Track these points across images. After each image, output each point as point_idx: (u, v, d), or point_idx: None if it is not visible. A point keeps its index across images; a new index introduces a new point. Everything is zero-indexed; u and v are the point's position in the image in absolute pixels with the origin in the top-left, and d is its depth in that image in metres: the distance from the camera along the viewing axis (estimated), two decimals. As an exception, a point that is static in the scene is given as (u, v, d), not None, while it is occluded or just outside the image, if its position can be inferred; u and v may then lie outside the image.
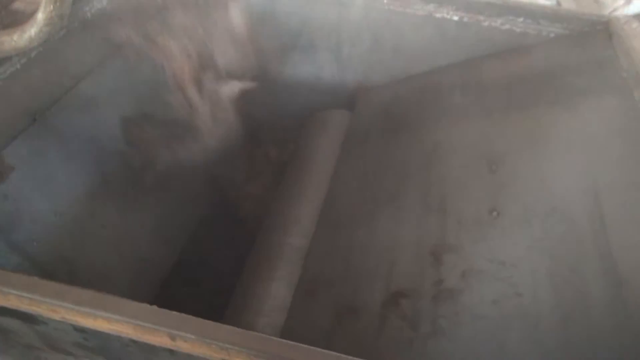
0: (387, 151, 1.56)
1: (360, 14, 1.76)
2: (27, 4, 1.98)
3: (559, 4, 3.00)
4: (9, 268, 1.33)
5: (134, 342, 0.81)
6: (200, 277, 1.63)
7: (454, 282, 1.10)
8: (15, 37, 1.00)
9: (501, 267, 1.08)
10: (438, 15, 1.69)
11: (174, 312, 0.77)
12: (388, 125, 1.65)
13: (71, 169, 1.47)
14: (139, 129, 1.65)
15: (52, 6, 0.95)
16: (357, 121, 1.74)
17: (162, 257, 1.60)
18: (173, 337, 0.76)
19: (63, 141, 1.47)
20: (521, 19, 1.62)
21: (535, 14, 1.61)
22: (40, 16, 0.97)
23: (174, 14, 1.83)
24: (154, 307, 0.78)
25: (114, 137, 1.59)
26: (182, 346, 0.75)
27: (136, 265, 1.53)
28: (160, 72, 1.71)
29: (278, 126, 2.02)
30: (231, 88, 1.66)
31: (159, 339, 0.77)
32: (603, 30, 1.54)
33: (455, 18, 1.67)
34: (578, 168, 1.22)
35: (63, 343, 1.02)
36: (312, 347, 0.74)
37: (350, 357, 0.72)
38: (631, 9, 2.86)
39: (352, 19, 1.78)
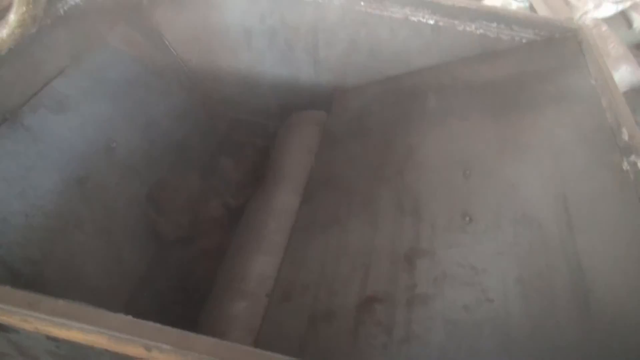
0: (362, 154, 1.58)
1: (337, 15, 1.77)
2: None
3: (531, 6, 3.06)
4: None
5: (108, 351, 0.81)
6: (174, 276, 1.62)
7: (426, 287, 1.13)
8: (-15, 38, 0.98)
9: (472, 272, 1.10)
10: (414, 18, 1.70)
11: (150, 323, 0.77)
12: (363, 127, 1.66)
13: (43, 169, 1.44)
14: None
15: (24, 7, 0.93)
16: (333, 122, 1.75)
17: (135, 262, 1.59)
18: (148, 348, 0.76)
19: (35, 141, 1.44)
20: (494, 24, 1.65)
21: (508, 20, 1.64)
22: (12, 17, 0.95)
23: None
24: (129, 317, 0.78)
25: (88, 138, 1.57)
26: (158, 357, 0.76)
27: (107, 269, 1.51)
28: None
29: (256, 126, 2.02)
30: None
31: (134, 350, 0.77)
32: (573, 37, 1.58)
33: (431, 22, 1.69)
34: (547, 174, 1.25)
35: (36, 351, 1.00)
36: (285, 357, 0.75)
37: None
38: (601, 13, 2.93)
39: (329, 21, 1.79)
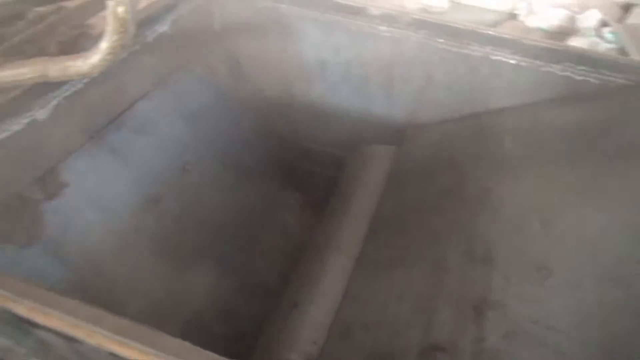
0: (432, 192, 1.53)
1: (413, 50, 1.75)
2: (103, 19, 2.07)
3: (621, 48, 2.91)
4: (55, 280, 1.37)
5: (165, 374, 0.81)
6: (234, 303, 1.62)
7: (496, 342, 1.05)
8: (79, 62, 1.04)
9: (548, 332, 1.02)
10: (494, 57, 1.66)
11: (206, 352, 0.76)
12: (435, 165, 1.62)
13: (121, 187, 1.51)
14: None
15: (116, 37, 0.98)
16: (404, 159, 1.72)
17: (199, 280, 1.61)
18: (203, 377, 0.75)
19: (116, 160, 1.51)
20: (581, 67, 1.57)
21: (596, 63, 1.56)
22: (103, 45, 1.00)
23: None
24: (187, 343, 0.78)
25: (164, 159, 1.63)
26: (212, 387, 0.75)
27: (171, 289, 1.54)
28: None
29: (323, 157, 2.02)
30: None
31: (190, 377, 0.76)
32: (668, 84, 1.47)
33: (512, 62, 1.64)
34: (636, 229, 1.15)
35: (97, 364, 1.03)
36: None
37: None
38: (700, 59, 2.73)
39: (405, 56, 1.77)
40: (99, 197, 1.46)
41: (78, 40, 1.33)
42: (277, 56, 1.92)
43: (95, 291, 1.38)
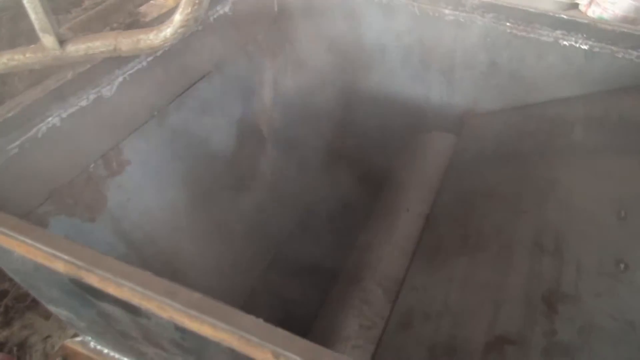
0: (496, 181, 1.47)
1: (478, 36, 1.69)
2: (152, 7, 2.09)
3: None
4: (114, 255, 1.39)
5: (232, 350, 0.80)
6: (288, 287, 1.62)
7: (569, 337, 1.00)
8: (151, 36, 1.04)
9: (629, 328, 0.96)
10: (565, 42, 1.58)
11: (280, 330, 0.74)
12: (499, 154, 1.56)
13: (180, 166, 1.52)
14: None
15: (190, 8, 0.97)
16: (465, 147, 1.66)
17: (253, 263, 1.61)
18: (276, 355, 0.73)
19: (175, 139, 1.52)
20: (663, 54, 1.47)
21: (679, 50, 1.46)
22: (177, 17, 1.00)
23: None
24: (260, 320, 0.76)
25: (222, 140, 1.63)
26: (284, 366, 0.73)
27: (227, 268, 1.55)
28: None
29: (379, 143, 1.98)
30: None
31: (262, 355, 0.74)
32: None
33: (585, 47, 1.55)
34: None
35: (160, 338, 1.03)
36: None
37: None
38: None
39: (469, 41, 1.71)
40: (158, 176, 1.48)
41: (130, 28, 1.33)
42: (336, 40, 1.89)
43: (152, 269, 1.40)
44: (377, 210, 1.65)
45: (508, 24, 1.63)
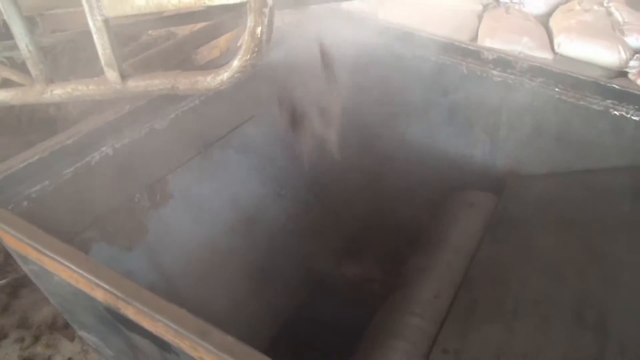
0: (537, 247, 1.44)
1: (526, 98, 1.69)
2: (207, 48, 2.18)
3: None
4: (146, 284, 1.41)
5: (259, 399, 0.79)
6: (311, 340, 1.59)
7: (610, 422, 0.94)
8: (209, 78, 1.08)
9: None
10: (616, 112, 1.56)
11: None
12: (541, 219, 1.52)
13: (219, 203, 1.54)
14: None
15: (248, 55, 1.01)
16: (505, 209, 1.63)
17: (281, 308, 1.59)
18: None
19: (218, 176, 1.55)
20: None
21: None
22: (235, 63, 1.04)
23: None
24: (291, 371, 0.75)
25: (261, 180, 1.65)
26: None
27: (255, 308, 1.54)
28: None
29: (416, 199, 1.97)
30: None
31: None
32: None
33: (636, 118, 1.53)
34: None
35: (186, 376, 1.02)
36: None
37: None
38: None
39: (516, 102, 1.71)
40: (198, 211, 1.50)
41: (185, 67, 1.39)
42: (381, 92, 1.91)
43: (182, 301, 1.40)
44: (412, 264, 1.62)
45: (557, 89, 1.62)
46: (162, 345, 0.95)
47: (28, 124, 2.78)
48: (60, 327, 2.25)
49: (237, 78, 1.07)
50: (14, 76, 1.42)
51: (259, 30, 0.96)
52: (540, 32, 3.95)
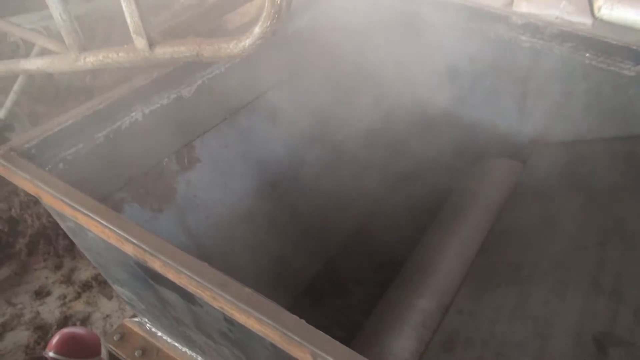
0: (558, 215, 1.43)
1: (554, 64, 1.65)
2: (239, 15, 2.20)
3: None
4: (176, 244, 1.48)
5: (274, 347, 0.84)
6: (335, 295, 1.64)
7: (618, 382, 0.96)
8: (231, 45, 1.11)
9: (685, 381, 0.91)
10: (649, 78, 1.51)
11: (321, 333, 0.78)
12: (566, 186, 1.51)
13: (245, 168, 1.59)
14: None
15: (269, 22, 1.04)
16: (531, 175, 1.63)
17: (304, 268, 1.65)
18: (315, 356, 0.76)
19: (244, 142, 1.60)
20: None
21: None
22: (256, 30, 1.06)
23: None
24: (303, 321, 0.80)
25: (287, 147, 1.69)
26: (321, 367, 0.76)
27: (280, 270, 1.60)
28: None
29: (440, 166, 1.97)
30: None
31: (301, 354, 0.78)
32: None
33: (671, 84, 1.49)
34: None
35: (210, 328, 1.09)
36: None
37: None
38: None
39: (544, 69, 1.68)
40: (224, 175, 1.56)
41: (215, 34, 1.42)
42: (405, 60, 1.91)
43: (210, 260, 1.47)
44: (433, 228, 1.64)
45: (587, 54, 1.58)
46: (187, 297, 1.02)
47: (66, 93, 2.89)
48: (99, 285, 2.39)
49: (258, 44, 1.10)
50: (49, 45, 1.48)
51: (278, -4, 0.98)
52: (580, -4, 3.78)
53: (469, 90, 1.85)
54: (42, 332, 2.20)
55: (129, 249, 0.94)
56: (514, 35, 1.66)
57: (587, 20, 3.59)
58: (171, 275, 0.91)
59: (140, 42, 1.20)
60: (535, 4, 3.66)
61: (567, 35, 1.58)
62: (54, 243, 2.49)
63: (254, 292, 0.83)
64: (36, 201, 1.96)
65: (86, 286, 2.40)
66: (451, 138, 1.94)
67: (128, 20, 1.17)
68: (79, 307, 2.33)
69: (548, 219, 1.42)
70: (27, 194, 2.15)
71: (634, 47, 1.51)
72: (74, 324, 2.27)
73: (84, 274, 2.42)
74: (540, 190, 1.54)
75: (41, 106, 2.72)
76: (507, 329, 1.17)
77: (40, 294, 2.35)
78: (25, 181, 1.02)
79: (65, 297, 2.37)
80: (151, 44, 1.20)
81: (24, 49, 2.49)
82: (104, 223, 0.94)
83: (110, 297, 2.38)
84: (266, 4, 0.99)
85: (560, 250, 1.32)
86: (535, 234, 1.40)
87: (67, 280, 2.42)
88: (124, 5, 1.15)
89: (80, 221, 0.99)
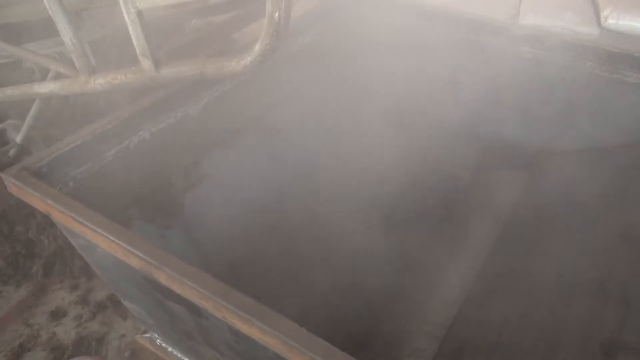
0: (565, 222, 1.43)
1: (557, 74, 1.66)
2: (244, 35, 2.25)
3: None
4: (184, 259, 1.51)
5: (279, 357, 0.85)
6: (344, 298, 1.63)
7: (626, 389, 0.95)
8: (233, 63, 1.15)
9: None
10: (652, 85, 1.52)
11: (321, 340, 0.78)
12: (570, 195, 1.51)
13: (253, 184, 1.61)
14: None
15: (268, 40, 1.07)
16: (537, 186, 1.63)
17: (313, 282, 1.65)
18: (316, 364, 0.77)
19: (251, 158, 1.62)
20: None
21: None
22: (257, 48, 1.10)
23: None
24: (303, 329, 0.81)
25: (294, 163, 1.71)
26: (322, 375, 0.77)
27: (287, 288, 1.60)
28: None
29: (446, 178, 1.98)
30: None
31: (302, 362, 0.79)
32: None
33: (674, 91, 1.49)
34: None
35: (216, 340, 1.11)
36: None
37: None
38: None
39: (547, 78, 1.69)
40: (232, 191, 1.58)
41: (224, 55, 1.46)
42: (407, 74, 1.93)
43: (220, 276, 1.49)
44: (440, 243, 1.64)
45: (589, 63, 1.59)
46: (193, 309, 1.03)
47: (81, 117, 2.96)
48: (114, 305, 2.41)
49: (260, 62, 1.13)
50: (62, 68, 1.53)
51: (276, 15, 1.02)
52: (586, 6, 3.79)
53: (472, 103, 1.86)
54: (58, 352, 2.23)
55: (135, 263, 0.97)
56: (515, 46, 1.67)
57: (594, 31, 3.60)
58: (176, 287, 0.93)
59: (146, 63, 1.24)
60: (541, 16, 3.68)
61: (568, 45, 1.60)
62: (69, 264, 2.53)
63: (255, 302, 0.85)
64: (52, 223, 2.01)
65: (101, 306, 2.42)
66: (456, 149, 1.95)
67: (134, 42, 1.22)
68: (94, 327, 2.35)
69: (554, 227, 1.42)
70: (44, 216, 2.20)
71: (636, 55, 1.52)
72: (90, 344, 2.29)
73: (99, 294, 2.45)
74: (546, 200, 1.54)
75: (57, 130, 2.79)
76: (514, 336, 1.16)
77: (57, 314, 2.38)
78: (36, 199, 1.06)
79: (81, 317, 2.39)
80: (157, 65, 1.24)
81: (39, 75, 2.56)
82: (111, 238, 0.97)
83: (125, 317, 2.40)
84: (265, 23, 1.02)
85: (568, 257, 1.31)
86: (543, 241, 1.40)
87: (83, 301, 2.45)
88: (130, 28, 1.19)
89: (89, 237, 1.02)
